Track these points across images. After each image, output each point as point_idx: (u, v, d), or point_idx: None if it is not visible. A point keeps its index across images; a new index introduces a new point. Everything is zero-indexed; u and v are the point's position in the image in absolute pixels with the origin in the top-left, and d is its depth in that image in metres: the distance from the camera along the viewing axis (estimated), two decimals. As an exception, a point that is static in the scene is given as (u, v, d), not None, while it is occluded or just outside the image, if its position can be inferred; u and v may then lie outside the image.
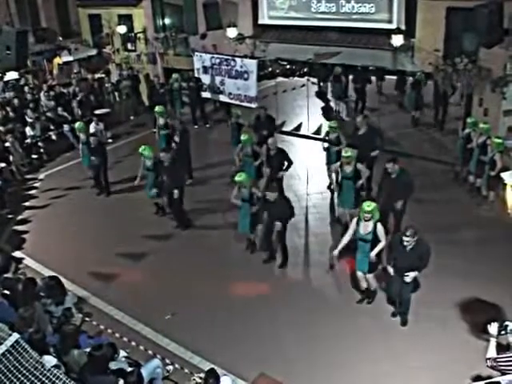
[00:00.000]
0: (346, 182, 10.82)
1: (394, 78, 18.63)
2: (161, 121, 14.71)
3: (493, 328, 5.83)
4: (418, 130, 16.80)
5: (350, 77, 18.69)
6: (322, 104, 19.74)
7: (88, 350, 6.61)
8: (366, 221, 8.38)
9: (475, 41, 12.51)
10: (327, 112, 18.98)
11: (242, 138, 12.23)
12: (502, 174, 11.10)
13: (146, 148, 11.96)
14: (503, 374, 5.68)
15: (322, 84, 20.39)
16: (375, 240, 8.45)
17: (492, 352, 5.78)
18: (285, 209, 9.97)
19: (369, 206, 8.32)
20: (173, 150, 13.01)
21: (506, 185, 11.23)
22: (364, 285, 9.08)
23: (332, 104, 19.43)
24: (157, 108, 14.89)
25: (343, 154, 10.64)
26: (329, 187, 13.16)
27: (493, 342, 5.81)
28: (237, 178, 10.17)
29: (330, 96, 19.62)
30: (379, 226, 8.41)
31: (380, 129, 14.19)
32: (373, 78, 18.95)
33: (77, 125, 14.42)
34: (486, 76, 13.35)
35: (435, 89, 16.21)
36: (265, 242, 10.69)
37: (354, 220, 8.67)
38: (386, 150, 12.82)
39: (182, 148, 13.67)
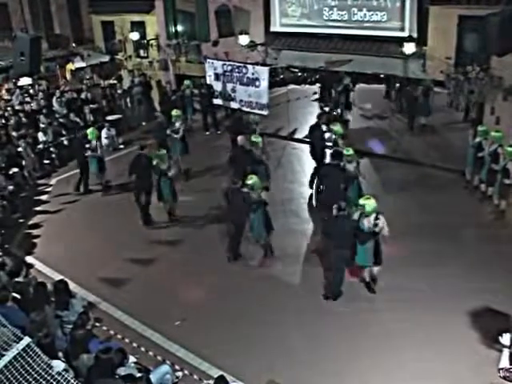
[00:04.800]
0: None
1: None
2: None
3: (505, 339, 5.78)
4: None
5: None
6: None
7: (97, 353, 6.60)
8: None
9: (487, 49, 12.48)
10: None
11: None
12: (514, 183, 11.05)
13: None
14: (516, 384, 5.64)
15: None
16: None
17: (505, 362, 5.73)
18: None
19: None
20: None
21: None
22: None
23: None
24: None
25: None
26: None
27: (506, 352, 5.76)
28: (249, 182, 10.13)
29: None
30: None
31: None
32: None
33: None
34: (498, 84, 13.33)
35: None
36: (231, 243, 10.91)
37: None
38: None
39: None
